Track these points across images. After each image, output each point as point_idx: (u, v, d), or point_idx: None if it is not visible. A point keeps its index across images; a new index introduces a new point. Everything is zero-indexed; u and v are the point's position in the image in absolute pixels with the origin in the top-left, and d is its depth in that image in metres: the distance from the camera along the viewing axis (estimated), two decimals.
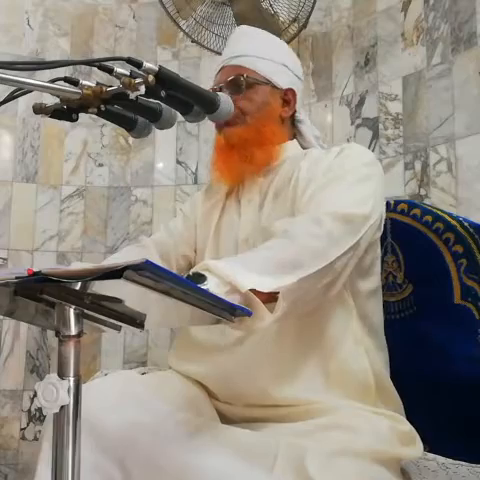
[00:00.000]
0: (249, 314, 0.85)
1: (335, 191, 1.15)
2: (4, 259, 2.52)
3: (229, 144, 1.29)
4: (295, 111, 1.36)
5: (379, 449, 1.03)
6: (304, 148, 1.36)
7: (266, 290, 0.91)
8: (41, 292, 0.70)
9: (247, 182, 1.32)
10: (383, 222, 1.23)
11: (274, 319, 0.91)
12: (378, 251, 1.26)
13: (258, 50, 1.34)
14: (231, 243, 1.27)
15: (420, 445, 1.12)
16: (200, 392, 1.21)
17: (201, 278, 0.88)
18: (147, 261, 0.62)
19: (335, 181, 1.17)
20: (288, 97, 1.34)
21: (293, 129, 1.38)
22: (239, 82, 1.30)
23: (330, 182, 1.17)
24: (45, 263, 2.55)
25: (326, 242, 1.03)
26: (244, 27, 1.50)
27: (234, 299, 0.87)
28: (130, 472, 1.01)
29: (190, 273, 0.90)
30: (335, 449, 0.98)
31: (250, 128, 1.28)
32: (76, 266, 1.22)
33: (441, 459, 1.28)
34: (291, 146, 1.34)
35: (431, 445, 1.24)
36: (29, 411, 2.52)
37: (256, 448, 0.99)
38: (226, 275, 0.89)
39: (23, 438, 2.50)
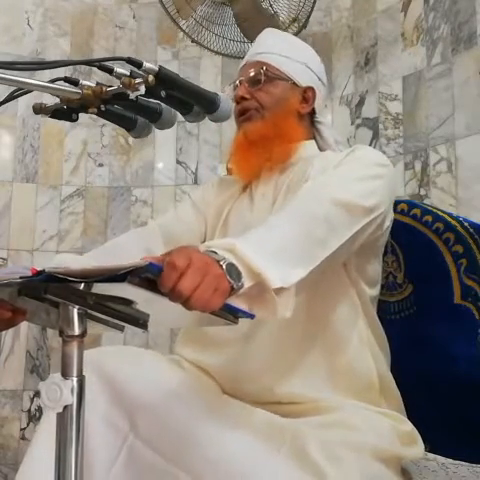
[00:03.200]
0: (252, 317, 0.85)
1: (340, 179, 1.15)
2: (4, 259, 2.52)
3: (248, 140, 1.29)
4: (314, 111, 1.36)
5: (380, 447, 1.03)
6: (322, 150, 1.35)
7: (287, 285, 0.89)
8: (45, 292, 0.70)
9: (263, 178, 1.32)
10: (389, 225, 1.22)
11: (286, 316, 0.89)
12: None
13: (282, 49, 1.35)
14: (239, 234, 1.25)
15: (421, 445, 1.13)
16: (210, 379, 1.21)
17: (235, 271, 0.83)
18: (150, 263, 0.62)
19: (342, 173, 1.17)
20: (307, 95, 1.34)
21: (312, 129, 1.37)
22: (259, 75, 1.31)
23: (336, 173, 1.17)
24: (45, 263, 2.55)
25: (326, 229, 1.02)
26: (271, 29, 1.50)
27: (252, 289, 0.85)
28: (138, 427, 1.03)
29: (221, 256, 0.83)
30: (338, 442, 0.99)
31: (268, 123, 1.29)
32: (65, 261, 1.22)
33: (441, 459, 1.28)
34: (308, 146, 1.34)
35: (431, 445, 1.24)
36: (29, 411, 2.52)
37: (263, 425, 1.01)
38: (257, 268, 0.85)
39: (23, 438, 2.50)
